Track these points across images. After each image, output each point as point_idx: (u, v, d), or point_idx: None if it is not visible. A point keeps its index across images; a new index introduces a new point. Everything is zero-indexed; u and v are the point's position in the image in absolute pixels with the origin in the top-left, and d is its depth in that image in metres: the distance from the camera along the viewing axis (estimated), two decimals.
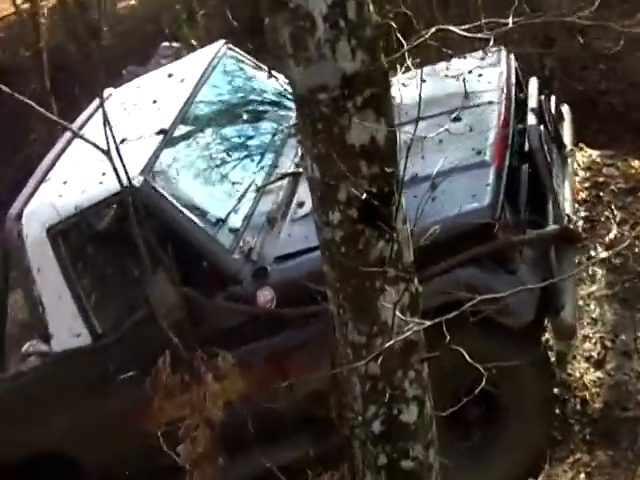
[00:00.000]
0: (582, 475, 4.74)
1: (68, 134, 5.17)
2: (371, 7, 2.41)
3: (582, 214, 6.27)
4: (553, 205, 4.70)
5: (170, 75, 5.45)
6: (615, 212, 6.12)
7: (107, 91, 5.64)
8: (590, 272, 5.80)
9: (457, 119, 4.71)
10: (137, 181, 4.44)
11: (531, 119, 4.82)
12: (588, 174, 6.50)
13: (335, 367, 2.66)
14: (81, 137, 3.86)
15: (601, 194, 6.28)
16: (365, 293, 2.41)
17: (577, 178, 6.50)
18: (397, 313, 2.40)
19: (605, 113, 8.04)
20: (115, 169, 3.13)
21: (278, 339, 4.40)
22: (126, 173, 3.45)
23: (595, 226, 6.08)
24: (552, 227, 4.60)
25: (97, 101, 5.34)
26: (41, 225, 4.78)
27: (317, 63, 2.34)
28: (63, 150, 5.19)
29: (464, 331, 4.20)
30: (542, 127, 4.90)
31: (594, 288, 5.68)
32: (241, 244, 4.52)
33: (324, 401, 3.59)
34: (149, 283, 4.45)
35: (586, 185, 6.43)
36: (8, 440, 5.34)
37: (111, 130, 3.01)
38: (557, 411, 5.18)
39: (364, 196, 2.24)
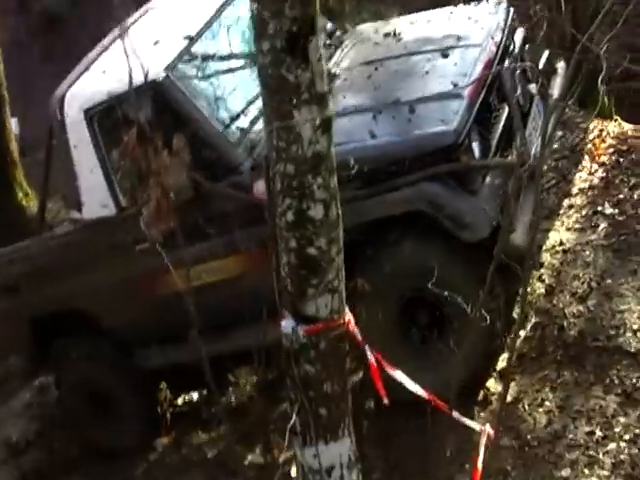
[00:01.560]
0: (547, 389, 5.41)
1: (115, 33, 6.05)
2: None
3: (599, 174, 7.03)
4: (520, 141, 5.29)
5: None
6: (630, 177, 6.83)
7: None
8: (593, 223, 6.56)
9: (445, 55, 5.41)
10: (160, 76, 5.33)
11: (507, 62, 5.45)
12: (614, 142, 7.21)
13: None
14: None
15: (621, 160, 6.98)
16: (285, 109, 3.35)
17: (603, 144, 7.25)
18: (308, 128, 3.35)
19: None
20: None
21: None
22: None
23: (608, 186, 6.80)
24: (513, 159, 5.21)
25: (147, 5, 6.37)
26: (79, 107, 5.68)
27: None
28: (107, 47, 6.00)
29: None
30: (517, 72, 5.44)
31: (593, 237, 6.40)
32: (246, 141, 5.26)
33: None
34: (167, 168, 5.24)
35: (610, 150, 7.16)
36: (41, 296, 6.28)
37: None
38: (534, 333, 5.86)
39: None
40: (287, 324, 3.65)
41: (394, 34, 5.95)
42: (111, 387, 6.59)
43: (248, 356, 5.08)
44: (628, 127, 7.34)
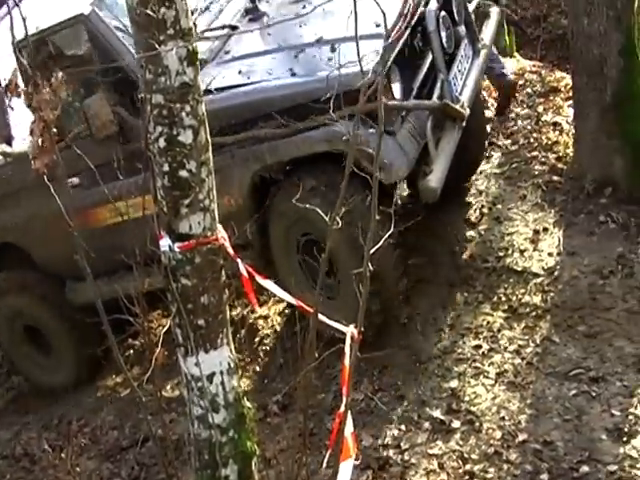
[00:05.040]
0: (439, 309, 5.82)
1: None
2: None
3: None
4: (442, 84, 5.31)
5: None
6: (523, 110, 7.24)
7: None
8: (488, 154, 6.96)
9: None
10: (87, 10, 5.54)
11: (432, 4, 5.37)
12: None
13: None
14: None
15: (517, 94, 7.39)
16: (152, 44, 3.65)
17: None
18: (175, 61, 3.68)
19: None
20: None
21: None
22: None
23: (504, 120, 7.22)
24: (434, 101, 5.27)
25: None
26: (7, 43, 5.38)
27: None
28: None
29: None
30: (443, 13, 5.42)
31: (487, 167, 6.83)
32: None
33: None
34: (88, 100, 5.31)
35: None
36: None
37: None
38: (430, 259, 6.22)
39: None
40: (164, 242, 3.93)
41: None
42: (43, 321, 6.75)
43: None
44: (526, 63, 7.73)
